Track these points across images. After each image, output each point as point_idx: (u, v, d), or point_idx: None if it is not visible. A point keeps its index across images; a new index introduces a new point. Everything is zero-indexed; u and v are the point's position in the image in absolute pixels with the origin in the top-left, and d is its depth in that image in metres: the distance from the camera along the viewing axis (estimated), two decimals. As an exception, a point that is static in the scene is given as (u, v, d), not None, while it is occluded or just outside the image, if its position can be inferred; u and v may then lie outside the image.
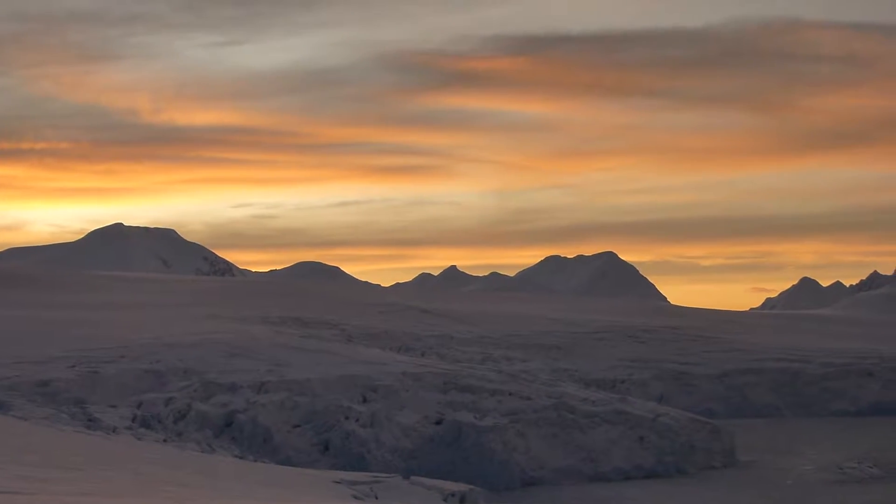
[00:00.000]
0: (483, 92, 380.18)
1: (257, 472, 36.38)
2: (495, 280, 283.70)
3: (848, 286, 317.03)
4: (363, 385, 54.52)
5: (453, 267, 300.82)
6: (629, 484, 53.64)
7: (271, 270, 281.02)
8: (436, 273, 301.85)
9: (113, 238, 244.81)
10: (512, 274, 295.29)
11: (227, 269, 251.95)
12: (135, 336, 60.86)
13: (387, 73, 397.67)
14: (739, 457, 60.84)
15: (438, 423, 53.12)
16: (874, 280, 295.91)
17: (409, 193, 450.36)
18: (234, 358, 56.94)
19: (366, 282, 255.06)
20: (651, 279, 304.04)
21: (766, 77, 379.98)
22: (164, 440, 46.03)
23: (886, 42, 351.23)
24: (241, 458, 46.06)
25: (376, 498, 34.75)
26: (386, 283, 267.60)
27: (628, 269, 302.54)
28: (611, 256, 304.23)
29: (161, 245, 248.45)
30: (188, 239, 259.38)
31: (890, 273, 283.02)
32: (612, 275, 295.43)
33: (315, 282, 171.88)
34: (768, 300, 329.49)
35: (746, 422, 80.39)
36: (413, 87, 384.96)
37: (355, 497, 33.70)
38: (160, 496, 21.74)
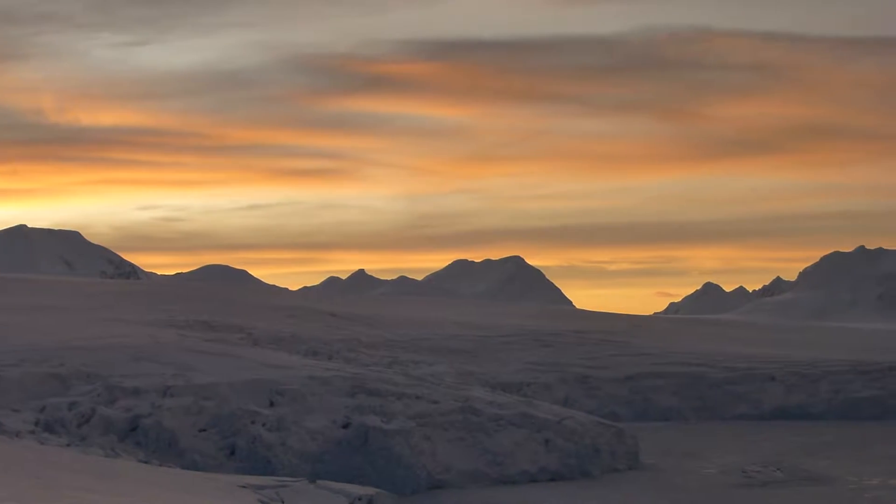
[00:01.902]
0: (393, 96, 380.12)
1: (162, 477, 36.21)
2: (403, 284, 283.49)
3: (751, 291, 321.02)
4: (270, 389, 54.38)
5: (361, 271, 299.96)
6: (534, 486, 54.02)
7: (177, 273, 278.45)
8: (344, 277, 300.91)
9: (15, 239, 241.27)
10: (420, 278, 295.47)
11: (132, 271, 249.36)
12: (38, 339, 60.20)
13: (297, 76, 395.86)
14: (643, 459, 61.49)
15: (345, 426, 53.13)
16: (777, 286, 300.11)
17: (317, 197, 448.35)
18: (138, 362, 56.55)
19: (273, 285, 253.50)
20: (558, 283, 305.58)
21: (674, 85, 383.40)
22: (68, 444, 45.57)
23: (795, 51, 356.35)
24: (145, 462, 45.73)
25: (282, 502, 34.75)
26: (293, 287, 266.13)
27: (535, 273, 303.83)
28: (518, 261, 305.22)
29: (65, 247, 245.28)
30: (92, 241, 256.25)
31: (792, 279, 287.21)
32: (519, 279, 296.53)
33: (222, 285, 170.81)
34: (672, 304, 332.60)
35: (650, 425, 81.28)
36: (323, 91, 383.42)
37: (261, 501, 33.68)
38: (63, 501, 21.63)
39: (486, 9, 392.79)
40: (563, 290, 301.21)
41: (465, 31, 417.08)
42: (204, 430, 51.24)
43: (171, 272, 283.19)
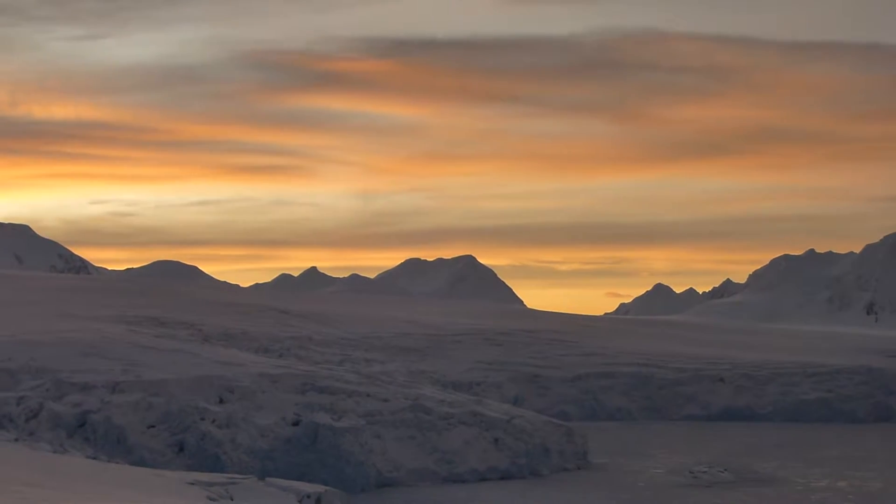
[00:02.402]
0: (347, 93, 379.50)
1: (110, 473, 36.09)
2: (355, 282, 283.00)
3: (701, 293, 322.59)
4: (220, 386, 54.25)
5: (313, 268, 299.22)
6: (484, 485, 54.15)
7: (128, 269, 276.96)
8: (296, 274, 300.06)
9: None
10: (372, 276, 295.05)
11: (83, 266, 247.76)
12: (-14, 334, 59.73)
13: (251, 72, 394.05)
14: (592, 459, 61.77)
15: (295, 424, 53.08)
16: (726, 288, 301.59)
17: (270, 193, 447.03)
18: (88, 357, 56.25)
19: (224, 282, 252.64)
20: (509, 283, 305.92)
21: (627, 87, 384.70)
22: (16, 439, 45.35)
23: (747, 54, 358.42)
24: (94, 458, 45.57)
25: (231, 499, 34.73)
26: (245, 284, 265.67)
27: (487, 272, 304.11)
28: (470, 260, 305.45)
29: (15, 241, 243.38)
30: (43, 235, 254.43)
31: (742, 281, 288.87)
32: (470, 278, 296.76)
33: (173, 281, 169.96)
34: (623, 305, 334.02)
35: (599, 424, 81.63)
36: (277, 87, 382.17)
37: (210, 498, 33.64)
38: (10, 496, 21.54)
39: (442, 8, 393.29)
40: (514, 290, 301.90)
41: (420, 29, 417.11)
42: (153, 427, 51.06)
43: (122, 267, 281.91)
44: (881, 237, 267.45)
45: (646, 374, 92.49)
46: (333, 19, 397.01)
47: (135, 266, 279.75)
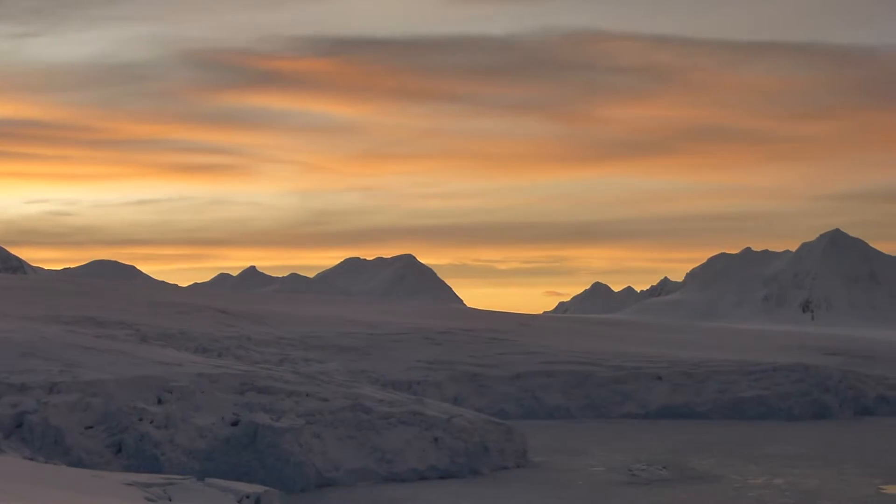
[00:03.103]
0: (287, 92, 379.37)
1: (48, 474, 35.84)
2: (294, 281, 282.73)
3: (639, 291, 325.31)
4: (158, 386, 53.96)
5: (252, 267, 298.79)
6: (423, 484, 54.22)
7: (65, 269, 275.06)
8: (234, 273, 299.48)
9: None
10: (311, 275, 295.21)
11: (19, 266, 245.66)
12: (-80, 334, 59.09)
13: (190, 70, 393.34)
14: (532, 457, 61.99)
15: (234, 424, 52.91)
16: (664, 286, 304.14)
17: (208, 193, 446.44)
18: (24, 358, 55.76)
19: (162, 281, 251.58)
20: (448, 282, 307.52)
21: (566, 86, 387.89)
22: (-49, 442, 44.89)
23: (685, 55, 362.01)
24: (31, 459, 45.21)
25: (170, 500, 34.57)
26: (183, 283, 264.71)
27: (426, 271, 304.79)
28: (409, 259, 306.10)
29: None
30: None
31: (680, 280, 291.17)
32: (410, 277, 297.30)
33: (110, 281, 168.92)
34: (562, 304, 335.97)
35: (539, 423, 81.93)
36: (216, 85, 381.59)
37: (148, 499, 33.48)
38: (-53, 499, 21.36)
39: (382, 7, 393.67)
40: (453, 289, 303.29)
41: (360, 29, 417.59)
42: (91, 427, 50.70)
43: (59, 267, 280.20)
44: (817, 236, 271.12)
45: (584, 373, 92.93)
46: (274, 18, 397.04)
47: (72, 266, 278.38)
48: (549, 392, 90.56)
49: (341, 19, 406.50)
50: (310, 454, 52.87)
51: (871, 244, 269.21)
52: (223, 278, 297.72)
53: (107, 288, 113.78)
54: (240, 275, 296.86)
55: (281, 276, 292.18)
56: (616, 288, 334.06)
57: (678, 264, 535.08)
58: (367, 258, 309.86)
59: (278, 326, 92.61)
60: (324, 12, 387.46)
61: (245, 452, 51.73)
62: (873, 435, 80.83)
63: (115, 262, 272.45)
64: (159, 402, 52.92)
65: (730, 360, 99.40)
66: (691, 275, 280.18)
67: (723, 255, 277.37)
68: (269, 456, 51.66)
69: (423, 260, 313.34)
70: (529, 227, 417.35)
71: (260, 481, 45.76)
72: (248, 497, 36.49)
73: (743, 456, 66.67)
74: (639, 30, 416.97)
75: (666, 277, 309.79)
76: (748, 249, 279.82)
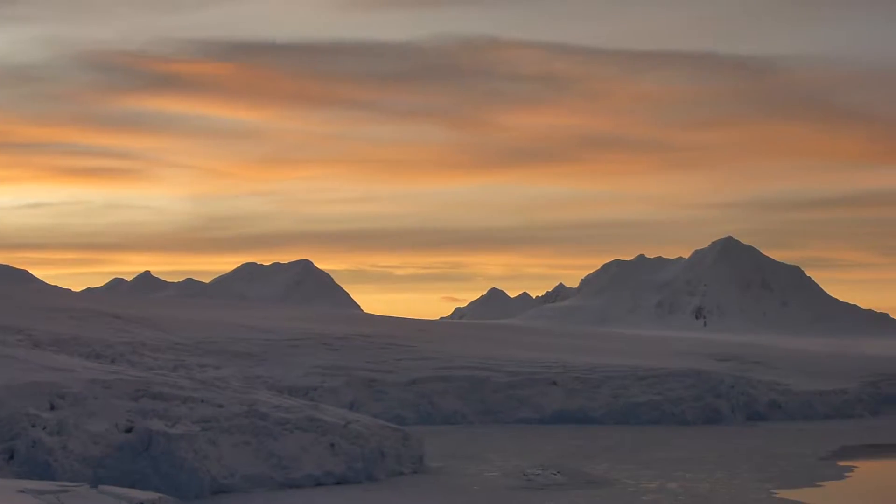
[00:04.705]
0: (185, 96, 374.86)
1: (-63, 482, 35.27)
2: (190, 286, 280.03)
3: (534, 297, 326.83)
4: (50, 392, 53.28)
5: (147, 272, 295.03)
6: (319, 490, 54.15)
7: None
8: (129, 278, 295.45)
9: None
10: (207, 280, 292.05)
11: None
12: None
13: (86, 73, 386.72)
14: (428, 463, 62.15)
15: (129, 430, 52.39)
16: (559, 292, 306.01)
17: (103, 196, 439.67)
18: (-87, 364, 54.83)
19: (55, 286, 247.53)
20: (346, 288, 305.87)
21: (465, 93, 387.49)
22: None
23: (584, 63, 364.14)
24: (-81, 467, 44.44)
25: (63, 507, 34.21)
26: (77, 288, 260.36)
27: (324, 277, 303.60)
28: (307, 265, 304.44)
29: None
30: None
31: (575, 286, 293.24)
32: (307, 283, 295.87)
33: (2, 285, 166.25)
34: (458, 309, 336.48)
35: (435, 428, 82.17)
36: (112, 88, 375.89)
37: (41, 506, 33.11)
38: None
39: (281, 11, 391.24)
40: (351, 295, 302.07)
41: (259, 32, 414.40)
42: (-19, 435, 49.95)
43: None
44: (709, 243, 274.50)
45: (480, 378, 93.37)
46: (171, 21, 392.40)
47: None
48: (445, 397, 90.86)
49: (241, 23, 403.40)
50: (205, 461, 52.53)
51: (764, 251, 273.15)
52: (117, 283, 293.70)
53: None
54: (134, 280, 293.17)
55: (176, 281, 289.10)
56: (512, 294, 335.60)
57: (573, 270, 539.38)
58: (264, 263, 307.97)
59: (173, 332, 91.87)
60: (223, 16, 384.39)
61: (139, 459, 51.26)
62: (765, 440, 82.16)
63: (8, 267, 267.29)
64: (52, 408, 52.26)
65: (623, 366, 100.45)
66: (586, 281, 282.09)
67: (617, 261, 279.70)
68: (164, 463, 51.24)
69: (320, 265, 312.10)
70: (427, 233, 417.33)
71: (154, 488, 45.41)
72: (142, 504, 36.22)
73: (636, 460, 67.44)
74: (538, 38, 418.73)
75: (561, 283, 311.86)
76: (642, 256, 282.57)
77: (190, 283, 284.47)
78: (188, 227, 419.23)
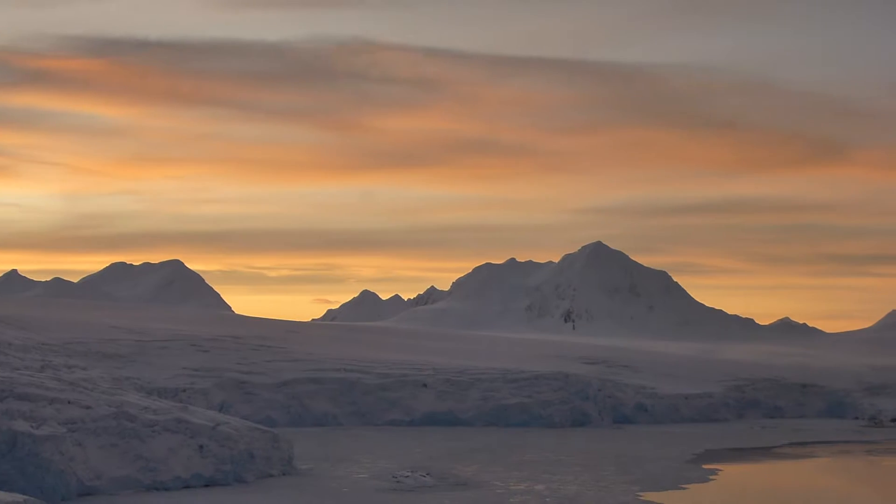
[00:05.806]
0: (55, 92, 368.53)
1: None
2: (57, 286, 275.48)
3: (406, 300, 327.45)
4: (-88, 393, 52.32)
5: (14, 271, 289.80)
6: (188, 493, 53.85)
7: None
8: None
9: None
10: (76, 280, 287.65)
11: None
12: None
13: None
14: (298, 465, 62.17)
15: (-7, 432, 51.61)
16: (431, 295, 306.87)
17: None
18: None
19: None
20: (217, 288, 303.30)
21: (338, 95, 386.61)
22: None
23: (454, 67, 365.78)
24: None
25: (-75, 510, 33.72)
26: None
27: (195, 277, 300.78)
28: (177, 265, 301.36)
29: None
30: None
31: (446, 289, 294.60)
32: (178, 283, 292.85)
33: None
34: (330, 311, 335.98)
35: (305, 430, 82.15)
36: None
37: None
38: None
39: (154, 9, 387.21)
40: (222, 295, 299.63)
41: (131, 29, 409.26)
42: None
43: None
44: (579, 248, 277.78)
45: (351, 380, 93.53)
46: (42, 16, 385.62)
47: None
48: (316, 399, 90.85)
49: (111, 20, 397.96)
50: (71, 463, 51.95)
51: (632, 257, 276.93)
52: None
53: None
54: (0, 278, 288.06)
55: (44, 280, 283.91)
56: (384, 296, 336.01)
57: (444, 273, 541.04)
58: (134, 263, 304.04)
59: (40, 332, 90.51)
60: (94, 12, 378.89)
61: (3, 461, 50.52)
62: (631, 442, 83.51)
63: None
64: (-86, 409, 51.31)
65: (493, 368, 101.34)
66: (457, 284, 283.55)
67: (487, 265, 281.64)
68: (29, 464, 50.57)
69: (191, 266, 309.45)
70: (299, 234, 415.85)
71: (20, 490, 44.87)
72: (7, 506, 35.81)
73: (505, 462, 68.13)
74: (410, 41, 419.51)
75: (433, 286, 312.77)
76: (512, 260, 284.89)
77: (58, 282, 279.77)
78: (56, 225, 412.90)
